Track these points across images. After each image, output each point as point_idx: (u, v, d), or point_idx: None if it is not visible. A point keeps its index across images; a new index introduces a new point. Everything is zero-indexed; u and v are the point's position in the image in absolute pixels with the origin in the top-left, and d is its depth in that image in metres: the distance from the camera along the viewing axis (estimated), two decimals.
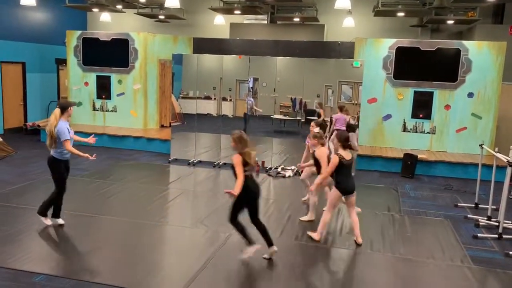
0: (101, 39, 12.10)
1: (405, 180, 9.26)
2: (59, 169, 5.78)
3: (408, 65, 10.47)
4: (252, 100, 11.83)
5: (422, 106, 10.50)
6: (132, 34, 11.97)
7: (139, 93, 12.06)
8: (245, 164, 4.87)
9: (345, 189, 5.59)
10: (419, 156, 9.60)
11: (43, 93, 13.61)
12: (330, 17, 13.71)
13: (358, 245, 5.69)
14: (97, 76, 12.22)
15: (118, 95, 12.20)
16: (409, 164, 9.49)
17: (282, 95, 12.27)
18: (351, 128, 9.19)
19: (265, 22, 14.09)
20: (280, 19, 13.62)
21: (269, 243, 5.11)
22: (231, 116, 13.20)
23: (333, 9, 11.88)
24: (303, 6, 13.00)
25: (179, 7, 11.79)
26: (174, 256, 5.35)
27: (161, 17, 13.61)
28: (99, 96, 12.31)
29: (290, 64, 11.91)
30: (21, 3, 11.09)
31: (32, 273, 4.63)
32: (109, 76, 12.16)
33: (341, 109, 9.58)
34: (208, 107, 15.03)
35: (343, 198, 5.71)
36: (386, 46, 10.54)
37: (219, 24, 13.70)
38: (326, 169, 5.54)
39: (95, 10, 13.15)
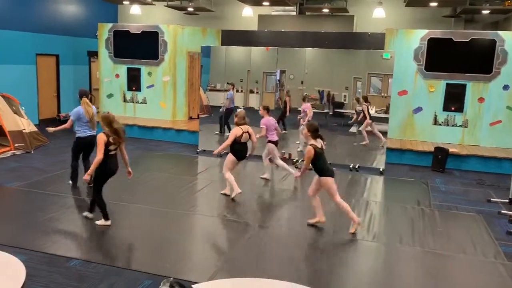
0: (131, 32, 12.30)
1: (435, 174, 9.08)
2: None
3: (440, 57, 10.21)
4: (231, 93, 11.46)
5: (454, 99, 10.23)
6: (162, 27, 12.11)
7: (168, 85, 12.22)
8: (109, 144, 5.32)
9: (332, 173, 5.68)
10: (450, 149, 9.38)
11: (75, 85, 13.93)
12: (360, 8, 13.48)
13: (356, 230, 5.69)
14: (128, 68, 12.44)
15: (148, 87, 12.40)
16: (440, 158, 9.29)
17: (309, 87, 12.19)
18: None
19: (294, 13, 13.97)
20: (309, 10, 13.47)
21: (91, 210, 5.79)
22: (258, 109, 13.20)
23: (363, 0, 11.70)
24: None
25: None
26: (203, 245, 5.43)
27: (190, 9, 13.69)
28: (129, 88, 12.53)
29: (319, 55, 11.80)
30: None
31: (67, 258, 4.80)
32: (139, 68, 12.36)
33: (304, 99, 10.10)
34: (235, 100, 15.06)
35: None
36: (417, 37, 10.30)
37: (247, 16, 13.68)
38: (304, 163, 5.65)
39: (126, 2, 13.35)
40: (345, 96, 12.14)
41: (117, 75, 12.54)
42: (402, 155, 9.77)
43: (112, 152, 5.50)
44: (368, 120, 10.03)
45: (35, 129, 10.11)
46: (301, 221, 6.18)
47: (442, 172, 9.18)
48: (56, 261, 4.71)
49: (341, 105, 11.85)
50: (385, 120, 10.59)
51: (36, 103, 12.60)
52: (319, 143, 5.65)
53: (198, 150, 10.32)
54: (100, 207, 5.67)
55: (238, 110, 7.32)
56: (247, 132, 6.84)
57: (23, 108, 10.00)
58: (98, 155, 5.31)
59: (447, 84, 10.25)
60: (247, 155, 7.09)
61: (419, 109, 10.50)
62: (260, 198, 7.20)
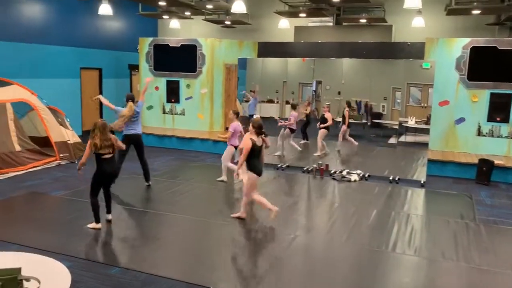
0: (171, 45, 12.62)
1: (480, 187, 8.73)
2: None
3: (484, 66, 9.89)
4: (253, 100, 11.49)
5: (499, 109, 9.84)
6: (200, 40, 12.36)
7: (205, 97, 12.42)
8: (98, 148, 5.68)
9: (259, 171, 6.05)
10: (496, 161, 9.00)
11: (117, 97, 14.37)
12: (399, 17, 13.28)
13: (274, 214, 6.09)
14: (167, 81, 12.75)
15: (186, 99, 12.65)
16: (485, 170, 8.93)
17: (346, 98, 12.08)
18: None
19: (331, 24, 13.93)
20: (346, 20, 13.41)
21: (108, 211, 6.14)
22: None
23: (401, 9, 11.49)
24: (370, 6, 12.70)
25: (245, 12, 12.01)
26: (240, 256, 5.43)
27: (228, 22, 13.93)
28: (168, 100, 12.83)
29: (356, 66, 11.70)
30: (99, 13, 11.87)
31: (108, 265, 4.92)
32: (178, 81, 12.65)
33: (294, 107, 10.49)
34: (271, 110, 15.16)
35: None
36: (459, 46, 10.03)
37: (284, 28, 13.75)
38: (242, 155, 6.01)
39: (165, 17, 13.74)
40: (383, 106, 11.94)
41: (156, 88, 12.86)
42: (444, 167, 9.46)
43: (105, 156, 5.79)
44: (344, 126, 10.38)
45: (79, 140, 10.49)
46: (339, 233, 6.08)
47: (487, 185, 8.82)
48: (98, 268, 4.83)
49: (379, 115, 11.66)
50: (426, 131, 10.33)
51: (80, 115, 13.10)
52: (259, 140, 6.05)
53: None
54: (93, 208, 5.88)
55: (254, 117, 7.60)
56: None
57: (68, 120, 10.41)
58: (84, 155, 5.86)
59: (492, 94, 9.89)
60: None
61: (461, 120, 10.17)
62: (300, 209, 7.14)
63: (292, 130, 10.46)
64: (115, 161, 6.09)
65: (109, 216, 6.16)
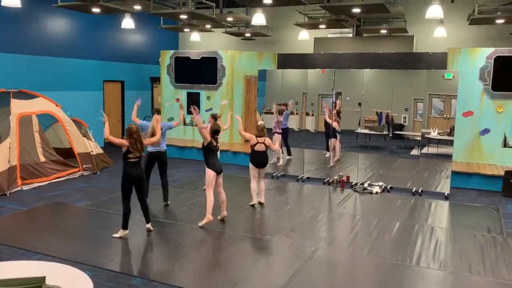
0: (191, 58, 12.77)
1: (507, 199, 8.49)
2: None
3: (509, 75, 9.68)
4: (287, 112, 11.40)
5: None
6: (220, 52, 12.47)
7: (225, 108, 12.48)
8: (129, 152, 5.86)
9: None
10: None
11: (138, 109, 14.57)
12: (420, 28, 13.17)
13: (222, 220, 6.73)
14: (188, 93, 12.88)
15: (206, 110, 12.73)
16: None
17: (367, 109, 11.98)
18: None
19: (351, 35, 13.91)
20: (366, 31, 13.36)
21: (147, 221, 6.27)
22: (313, 131, 13.11)
23: (423, 19, 11.42)
24: (391, 17, 12.64)
25: (265, 24, 12.10)
26: (260, 268, 5.38)
27: (248, 35, 14.04)
28: (189, 112, 12.89)
29: (377, 77, 11.60)
30: (121, 27, 12.13)
31: (130, 275, 4.93)
32: (199, 93, 12.76)
33: (280, 112, 10.76)
34: (290, 122, 15.10)
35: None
36: (483, 56, 9.86)
37: (304, 39, 13.79)
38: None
39: (186, 30, 13.93)
40: (405, 118, 11.78)
41: (177, 99, 13.00)
42: (468, 179, 9.25)
43: (132, 160, 5.91)
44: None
45: (101, 151, 10.65)
46: (361, 246, 5.98)
47: None
48: (119, 278, 4.85)
49: (401, 127, 11.51)
50: (449, 143, 10.13)
51: (102, 127, 13.29)
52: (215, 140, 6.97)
53: None
54: (123, 214, 5.96)
55: (259, 123, 7.86)
56: (263, 143, 7.50)
57: (91, 131, 10.58)
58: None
59: None
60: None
61: (486, 131, 9.94)
62: (321, 221, 7.05)
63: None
64: (141, 166, 6.09)
65: (148, 226, 6.26)
